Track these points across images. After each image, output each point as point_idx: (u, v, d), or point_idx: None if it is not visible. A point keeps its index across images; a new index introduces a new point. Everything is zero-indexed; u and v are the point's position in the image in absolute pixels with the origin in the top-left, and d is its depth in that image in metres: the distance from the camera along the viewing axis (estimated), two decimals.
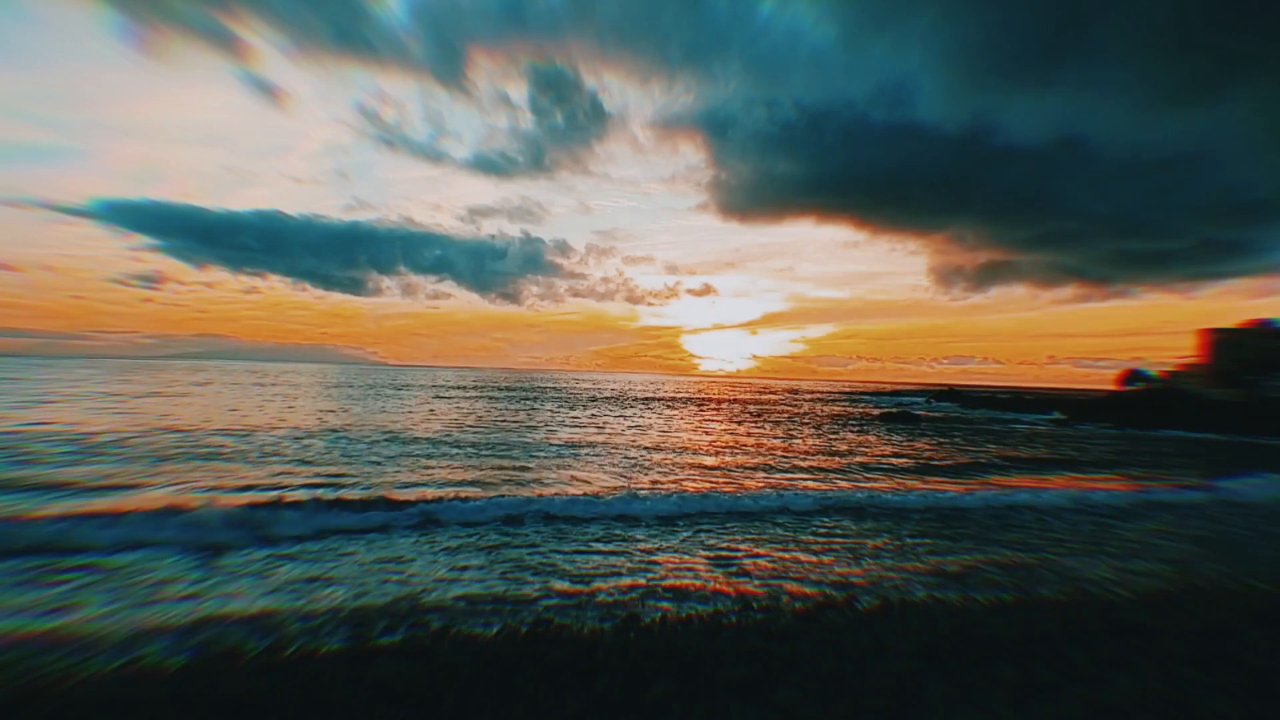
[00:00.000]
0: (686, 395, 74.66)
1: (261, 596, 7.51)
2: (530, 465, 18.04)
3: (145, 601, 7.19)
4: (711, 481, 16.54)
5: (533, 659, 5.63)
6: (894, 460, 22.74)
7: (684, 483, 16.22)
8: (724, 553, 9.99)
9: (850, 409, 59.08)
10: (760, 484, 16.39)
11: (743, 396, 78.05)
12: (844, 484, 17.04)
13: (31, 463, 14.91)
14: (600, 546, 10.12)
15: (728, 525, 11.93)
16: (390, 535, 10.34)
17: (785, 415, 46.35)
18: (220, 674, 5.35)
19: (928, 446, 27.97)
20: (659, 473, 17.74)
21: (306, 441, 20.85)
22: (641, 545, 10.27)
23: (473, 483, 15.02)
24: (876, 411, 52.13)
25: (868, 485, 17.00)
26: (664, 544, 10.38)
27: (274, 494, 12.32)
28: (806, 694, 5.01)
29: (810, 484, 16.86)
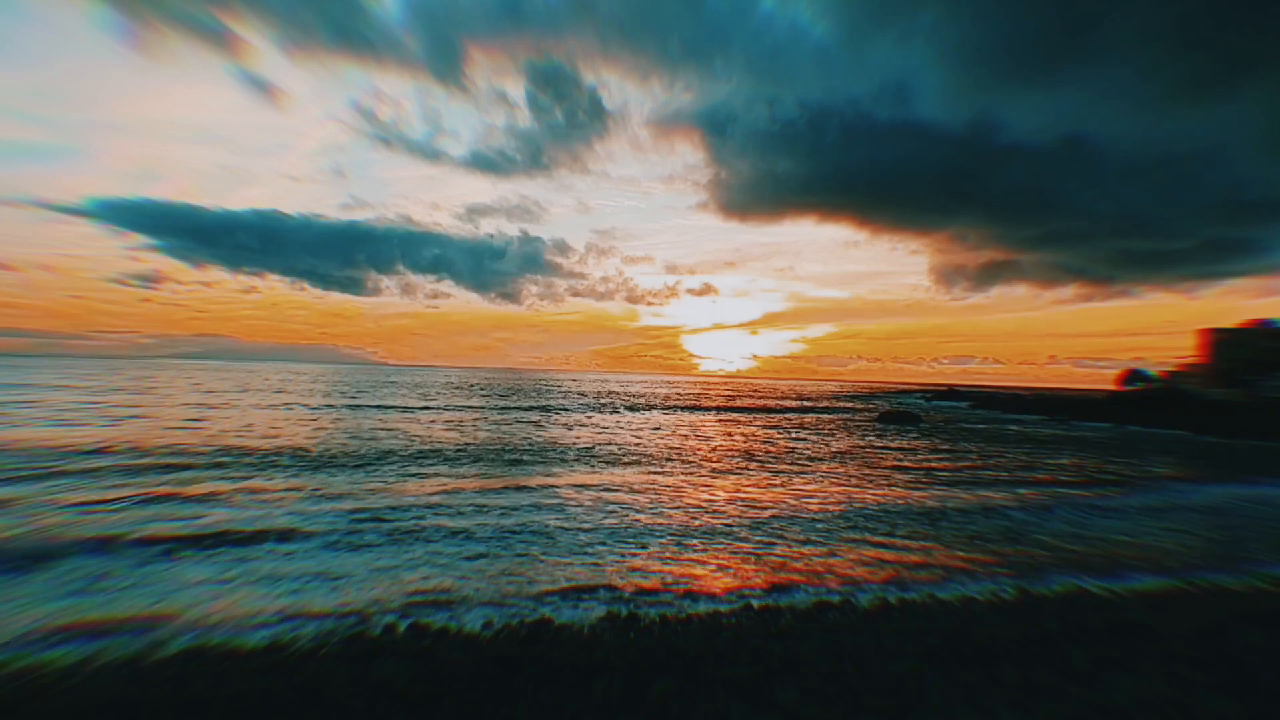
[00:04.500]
0: (719, 402, 74.12)
1: None
2: None
3: None
4: None
5: (533, 659, 5.63)
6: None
7: None
8: None
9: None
10: None
11: (783, 403, 77.12)
12: None
13: None
14: None
15: None
16: None
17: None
18: (220, 673, 5.35)
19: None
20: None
21: None
22: None
23: None
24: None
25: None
26: None
27: None
28: (806, 694, 5.01)
29: None
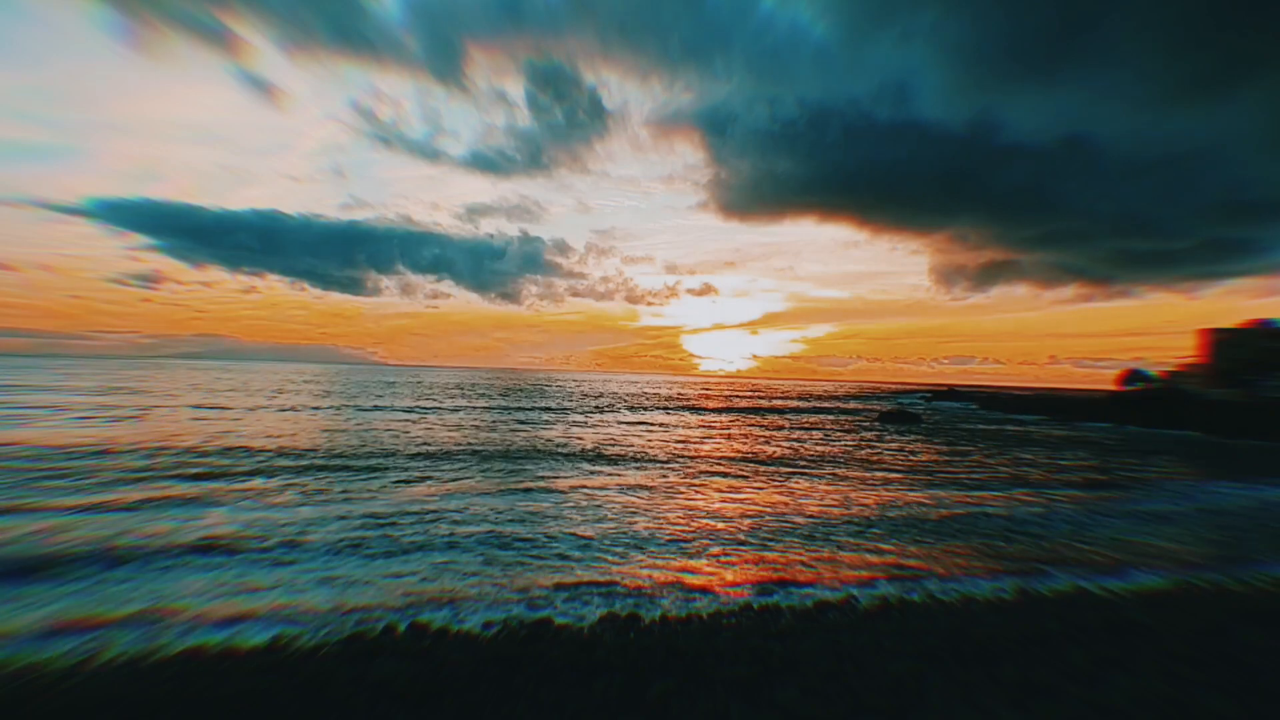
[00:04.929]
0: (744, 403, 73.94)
1: None
2: None
3: None
4: None
5: (533, 659, 5.63)
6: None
7: None
8: None
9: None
10: None
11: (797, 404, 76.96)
12: None
13: None
14: None
15: None
16: None
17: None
18: (220, 673, 5.35)
19: None
20: None
21: None
22: None
23: None
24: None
25: None
26: None
27: None
28: (806, 694, 5.01)
29: None
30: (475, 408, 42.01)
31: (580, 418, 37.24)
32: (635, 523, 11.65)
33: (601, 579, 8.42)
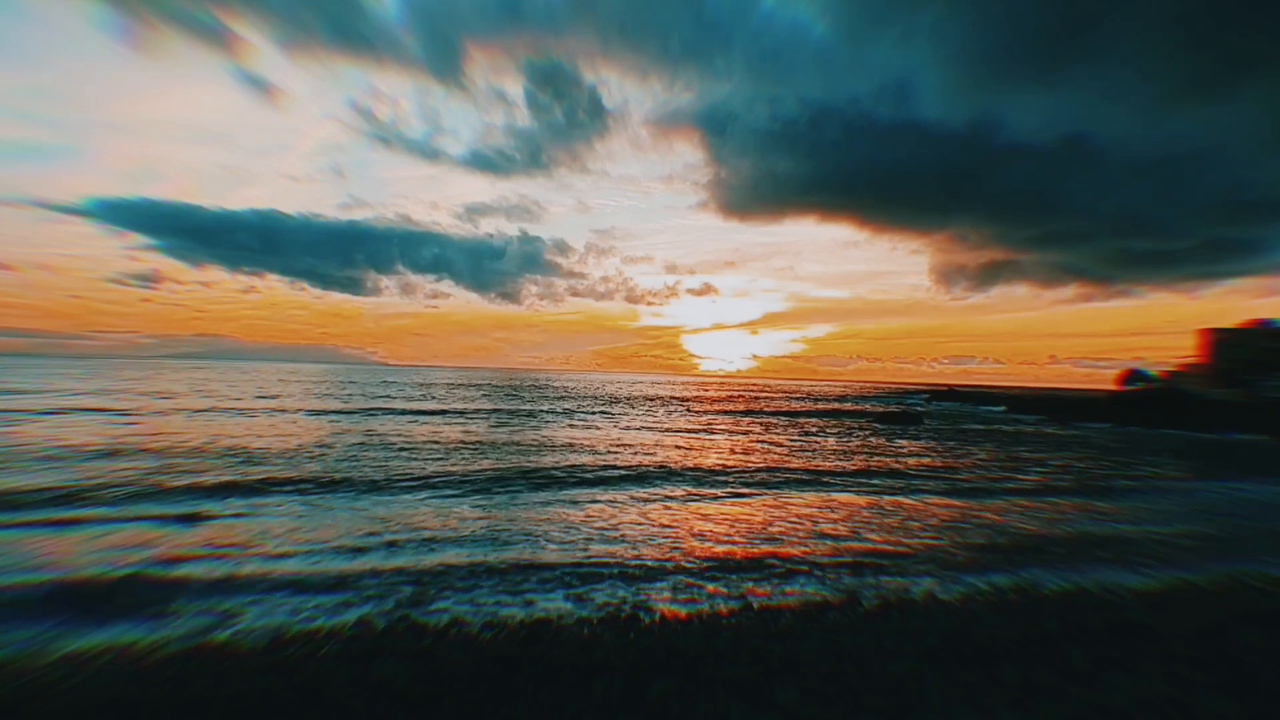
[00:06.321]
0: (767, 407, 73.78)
1: None
2: None
3: None
4: None
5: (533, 659, 5.63)
6: None
7: None
8: None
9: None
10: None
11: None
12: None
13: None
14: None
15: None
16: None
17: None
18: (220, 673, 5.35)
19: None
20: None
21: None
22: None
23: None
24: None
25: None
26: None
27: None
28: (806, 694, 5.01)
29: None
30: (476, 411, 42.02)
31: (580, 418, 37.27)
32: (636, 523, 11.66)
33: (601, 580, 8.40)
